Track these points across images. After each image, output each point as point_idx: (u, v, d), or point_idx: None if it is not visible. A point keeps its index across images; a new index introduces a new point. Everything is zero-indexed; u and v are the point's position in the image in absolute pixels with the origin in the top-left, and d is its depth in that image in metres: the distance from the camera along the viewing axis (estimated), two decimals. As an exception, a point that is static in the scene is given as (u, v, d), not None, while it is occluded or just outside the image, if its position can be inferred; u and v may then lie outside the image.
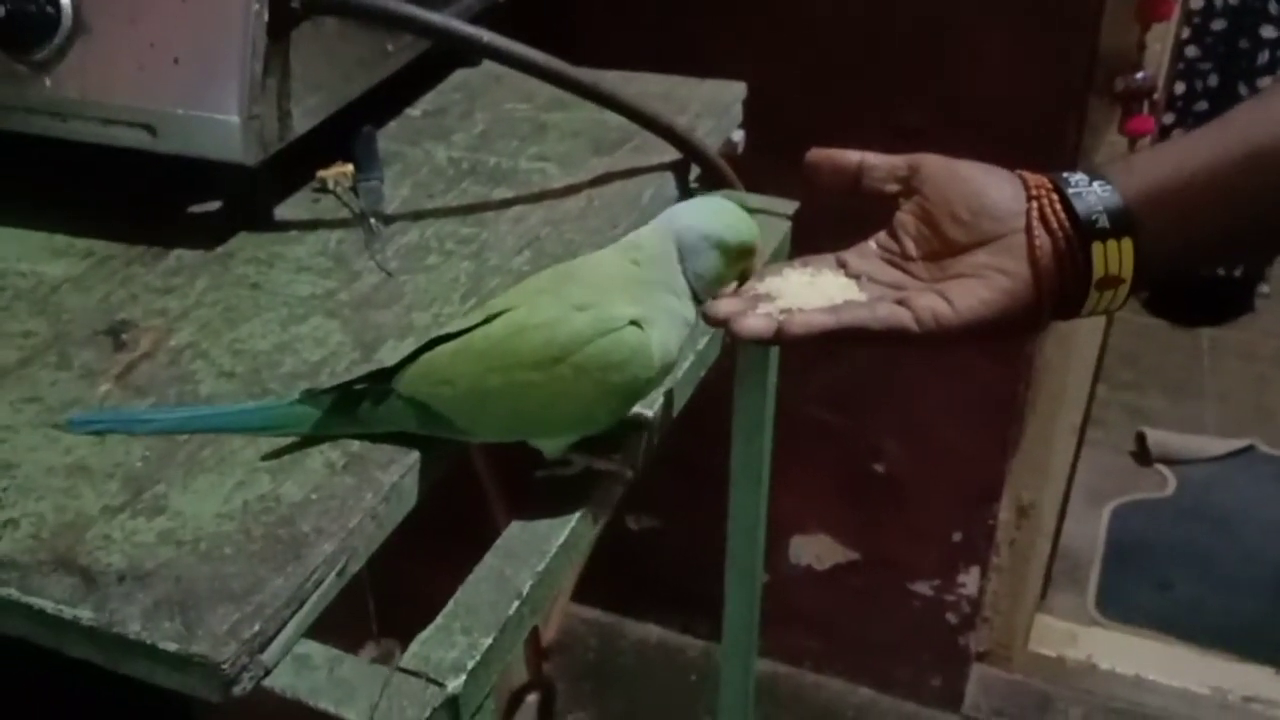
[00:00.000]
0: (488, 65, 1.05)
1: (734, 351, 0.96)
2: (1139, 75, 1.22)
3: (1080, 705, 1.72)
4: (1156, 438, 2.19)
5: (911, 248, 0.62)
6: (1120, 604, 1.86)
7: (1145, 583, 1.91)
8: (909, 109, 1.28)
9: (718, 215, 0.59)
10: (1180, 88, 2.29)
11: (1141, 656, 1.76)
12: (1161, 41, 1.23)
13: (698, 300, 0.60)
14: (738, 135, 1.00)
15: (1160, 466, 2.17)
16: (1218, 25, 2.25)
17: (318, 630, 0.54)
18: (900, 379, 1.48)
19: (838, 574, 1.68)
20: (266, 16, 0.73)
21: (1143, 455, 2.19)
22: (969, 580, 1.61)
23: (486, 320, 0.58)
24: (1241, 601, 1.86)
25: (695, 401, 0.76)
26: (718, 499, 1.06)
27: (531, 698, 1.71)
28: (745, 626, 1.12)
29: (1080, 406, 1.52)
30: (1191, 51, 2.28)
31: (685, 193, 0.90)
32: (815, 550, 1.67)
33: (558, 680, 1.76)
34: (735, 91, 1.00)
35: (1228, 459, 2.17)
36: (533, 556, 0.58)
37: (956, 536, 1.58)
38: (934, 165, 0.62)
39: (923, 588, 1.63)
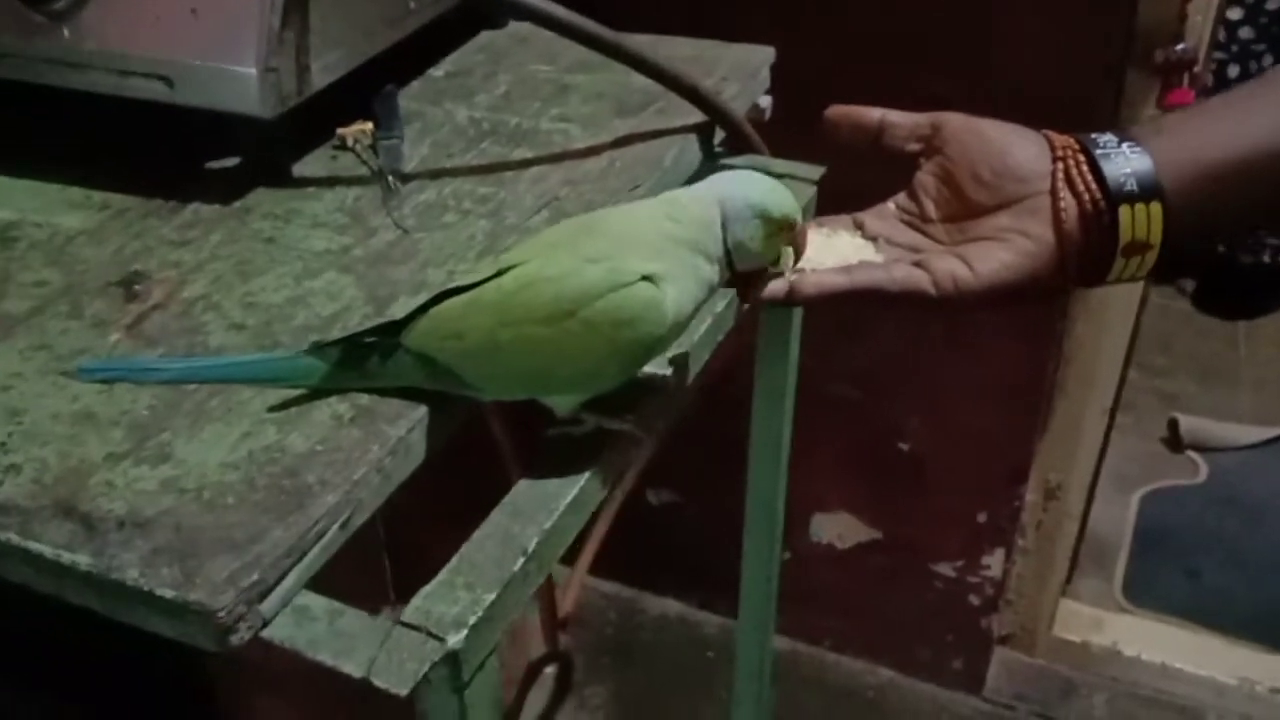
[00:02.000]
0: (513, 27, 1.04)
1: (756, 323, 0.95)
2: (1179, 47, 1.19)
3: (1104, 692, 1.70)
4: (1189, 424, 2.16)
5: (931, 209, 0.61)
6: (1148, 591, 1.84)
7: (1174, 570, 1.89)
8: (940, 78, 1.25)
9: (763, 186, 0.58)
10: (1234, 70, 2.27)
11: (1168, 644, 1.74)
12: (1203, 13, 1.20)
13: (731, 269, 0.58)
14: (765, 101, 0.98)
15: (1192, 453, 2.14)
16: (1272, 4, 2.24)
17: (333, 596, 0.53)
18: (926, 355, 1.46)
19: (859, 553, 1.66)
20: (284, -32, 0.72)
21: (1174, 441, 2.16)
22: (993, 562, 1.59)
23: (498, 274, 0.57)
24: (1271, 591, 1.83)
25: (717, 375, 0.75)
26: (739, 474, 1.05)
27: (549, 670, 1.71)
28: (762, 602, 1.11)
29: (1111, 389, 1.50)
30: (1245, 33, 2.26)
31: (709, 156, 0.89)
32: (837, 528, 1.66)
33: (576, 653, 1.76)
34: (763, 55, 0.98)
35: (1261, 447, 2.14)
36: (540, 514, 0.57)
37: (981, 517, 1.56)
38: (957, 124, 0.60)
39: (945, 569, 1.62)
